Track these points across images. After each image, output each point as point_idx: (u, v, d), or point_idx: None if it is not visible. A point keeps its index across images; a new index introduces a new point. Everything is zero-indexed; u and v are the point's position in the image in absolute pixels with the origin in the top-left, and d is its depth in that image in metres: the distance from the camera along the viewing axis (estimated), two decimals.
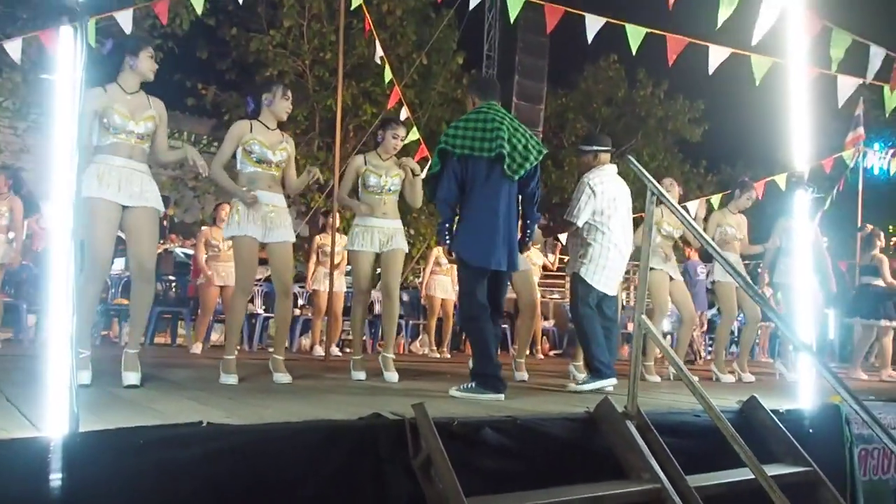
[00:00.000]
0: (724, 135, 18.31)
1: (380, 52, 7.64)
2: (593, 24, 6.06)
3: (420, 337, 9.13)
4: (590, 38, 6.09)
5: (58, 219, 1.85)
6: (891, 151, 10.41)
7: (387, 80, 8.11)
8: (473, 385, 3.55)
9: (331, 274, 6.26)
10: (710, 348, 11.53)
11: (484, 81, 4.43)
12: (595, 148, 4.52)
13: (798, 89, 3.86)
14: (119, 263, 7.39)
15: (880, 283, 6.95)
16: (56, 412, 1.82)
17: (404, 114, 8.29)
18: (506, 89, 14.67)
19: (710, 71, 5.91)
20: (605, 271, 4.30)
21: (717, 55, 5.87)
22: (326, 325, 7.03)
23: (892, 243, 7.60)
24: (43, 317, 6.87)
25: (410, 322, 9.18)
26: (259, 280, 9.20)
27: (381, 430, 2.31)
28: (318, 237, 7.26)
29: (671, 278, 5.58)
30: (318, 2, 12.24)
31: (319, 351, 7.26)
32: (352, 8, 7.09)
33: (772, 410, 3.23)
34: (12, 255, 5.96)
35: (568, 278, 4.59)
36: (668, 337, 9.55)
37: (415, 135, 7.96)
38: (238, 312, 3.97)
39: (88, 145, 3.31)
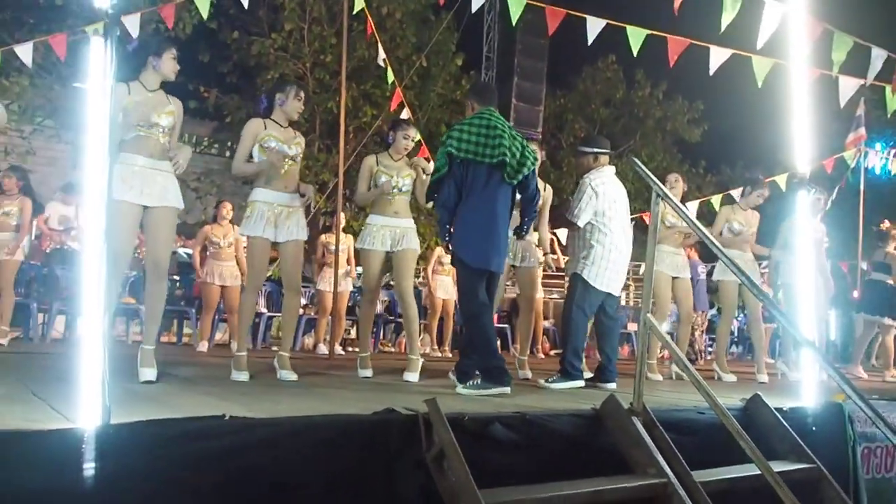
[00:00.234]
0: (723, 135, 18.40)
1: (382, 54, 7.70)
2: (594, 26, 6.13)
3: (421, 336, 9.20)
4: (590, 39, 6.16)
5: (90, 220, 1.92)
6: (892, 151, 10.50)
7: (389, 81, 8.18)
8: (479, 381, 3.63)
9: (335, 273, 6.32)
10: (710, 349, 11.62)
11: (483, 87, 4.54)
12: (595, 150, 4.58)
13: (800, 90, 3.92)
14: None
15: (891, 280, 6.98)
16: (88, 405, 1.88)
17: (405, 115, 8.36)
18: (505, 91, 14.75)
19: (711, 72, 5.98)
20: (608, 272, 4.37)
21: (718, 56, 5.94)
22: (331, 324, 7.09)
23: None
24: (52, 315, 6.95)
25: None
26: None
27: (394, 425, 2.37)
28: (322, 237, 7.32)
29: (674, 277, 5.64)
30: (318, 5, 12.33)
31: (323, 349, 7.33)
32: (354, 12, 7.15)
33: (775, 408, 3.28)
34: (17, 251, 6.02)
35: (567, 278, 4.66)
36: (669, 336, 9.64)
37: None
38: (248, 310, 4.06)
39: (115, 140, 3.39)
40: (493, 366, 3.65)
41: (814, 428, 3.46)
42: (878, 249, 7.23)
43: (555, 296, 12.23)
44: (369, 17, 7.77)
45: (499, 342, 5.46)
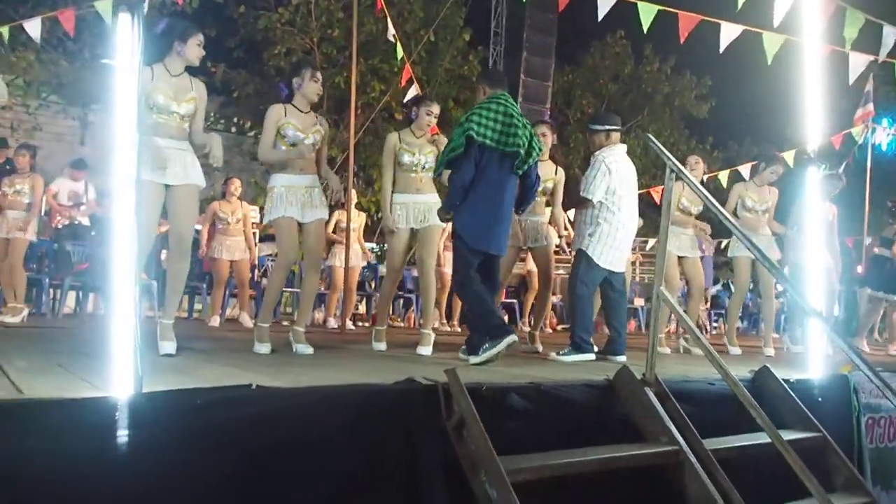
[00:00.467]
0: (731, 111, 18.24)
1: (391, 29, 7.68)
2: (605, 1, 6.10)
3: None
4: (601, 15, 6.13)
5: (119, 198, 1.97)
6: None
7: (398, 56, 8.15)
8: (487, 345, 3.68)
9: (346, 249, 6.39)
10: (715, 323, 11.70)
11: (494, 72, 4.60)
12: (607, 127, 4.60)
13: (811, 67, 3.93)
14: None
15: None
16: (121, 374, 1.95)
17: (414, 90, 8.35)
18: (513, 66, 14.66)
19: (722, 49, 5.96)
20: (613, 251, 4.41)
21: (728, 33, 5.92)
22: (342, 299, 7.18)
23: None
24: (64, 291, 7.03)
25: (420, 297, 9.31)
26: (271, 255, 9.35)
27: (415, 395, 2.44)
28: (336, 213, 7.37)
29: (682, 257, 5.70)
30: None
31: (332, 324, 7.43)
32: None
33: (783, 380, 3.36)
34: (29, 229, 6.08)
35: (573, 254, 4.72)
36: None
37: None
38: (275, 287, 4.14)
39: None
40: (494, 325, 3.77)
41: (820, 399, 3.54)
42: (889, 226, 7.25)
43: (561, 272, 12.29)
44: None
45: (506, 317, 5.56)
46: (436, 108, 4.58)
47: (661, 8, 5.93)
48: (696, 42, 6.42)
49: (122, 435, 1.87)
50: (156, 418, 1.93)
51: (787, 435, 2.99)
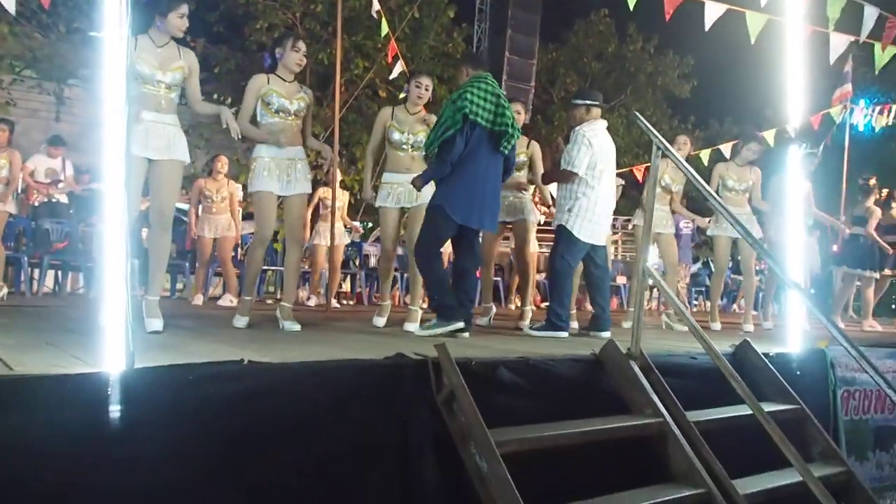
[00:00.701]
0: (712, 91, 18.36)
1: (376, 5, 7.60)
2: None
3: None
4: None
5: (108, 172, 1.95)
6: (877, 108, 10.59)
7: (382, 33, 8.08)
8: (435, 322, 3.87)
9: (332, 227, 6.37)
10: (695, 301, 11.87)
11: (476, 55, 4.63)
12: (587, 102, 4.59)
13: (793, 47, 3.97)
14: None
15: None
16: (112, 350, 1.95)
17: (399, 68, 8.30)
18: (498, 43, 14.60)
19: (707, 27, 5.97)
20: (592, 225, 4.43)
21: (713, 11, 5.93)
22: (328, 277, 7.17)
23: (881, 197, 7.78)
24: (43, 269, 6.95)
25: (405, 275, 9.32)
26: (253, 234, 9.29)
27: (405, 369, 2.47)
28: (319, 190, 7.33)
29: (657, 233, 5.77)
30: None
31: (315, 301, 7.45)
32: None
33: (762, 354, 3.43)
34: (8, 201, 5.98)
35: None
36: (655, 290, 9.82)
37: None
38: (254, 263, 4.16)
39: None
40: (448, 303, 3.90)
41: (798, 372, 3.63)
42: (859, 204, 7.39)
43: (545, 250, 12.34)
44: None
45: (484, 294, 5.65)
46: (425, 80, 4.58)
47: None
48: (680, 21, 6.43)
49: (116, 410, 1.88)
50: (148, 393, 1.94)
51: (767, 407, 3.06)
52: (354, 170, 12.28)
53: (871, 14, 5.32)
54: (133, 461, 1.87)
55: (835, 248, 8.80)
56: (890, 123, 10.64)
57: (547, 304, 10.37)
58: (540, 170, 5.26)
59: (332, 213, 6.44)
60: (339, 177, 7.29)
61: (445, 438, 2.37)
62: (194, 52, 3.77)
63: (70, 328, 3.53)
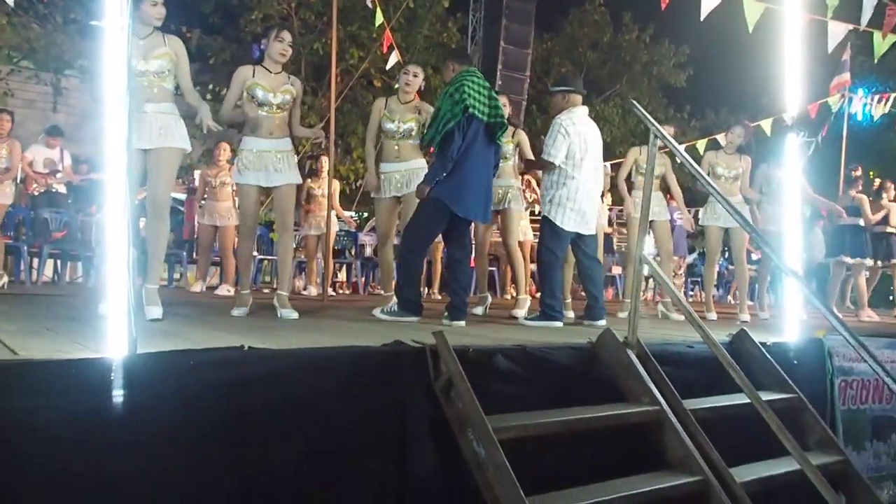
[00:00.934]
0: (708, 80, 18.35)
1: None
2: None
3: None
4: None
5: (111, 162, 1.96)
6: (875, 97, 10.59)
7: (377, 23, 8.06)
8: (396, 308, 4.02)
9: (327, 216, 6.37)
10: (690, 291, 11.91)
11: (461, 51, 4.66)
12: (564, 88, 4.55)
13: (791, 35, 3.96)
14: None
15: (859, 221, 7.20)
16: (115, 336, 1.96)
17: (395, 58, 8.27)
18: (493, 33, 14.55)
19: (703, 16, 5.97)
20: (575, 214, 4.38)
21: (710, 0, 5.93)
22: (323, 266, 7.18)
23: (873, 187, 7.81)
24: (43, 258, 6.95)
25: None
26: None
27: (403, 356, 2.48)
28: (307, 181, 7.33)
29: (651, 220, 5.78)
30: None
31: (312, 291, 7.46)
32: None
33: (759, 343, 3.45)
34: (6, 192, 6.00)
35: None
36: (651, 280, 9.86)
37: None
38: (245, 255, 4.20)
39: None
40: (413, 299, 4.06)
41: (795, 361, 3.64)
42: (845, 194, 7.45)
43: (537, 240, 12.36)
44: None
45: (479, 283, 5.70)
46: (413, 68, 4.64)
47: None
48: (675, 10, 6.43)
49: (119, 395, 1.90)
50: (151, 379, 1.95)
51: (764, 396, 3.08)
52: (350, 160, 12.27)
53: (870, 1, 5.32)
54: (135, 445, 1.88)
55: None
56: (887, 112, 10.65)
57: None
58: (529, 157, 5.32)
59: (329, 202, 6.42)
60: (325, 165, 7.29)
61: (443, 425, 2.38)
62: (189, 42, 3.76)
63: (70, 316, 3.54)
